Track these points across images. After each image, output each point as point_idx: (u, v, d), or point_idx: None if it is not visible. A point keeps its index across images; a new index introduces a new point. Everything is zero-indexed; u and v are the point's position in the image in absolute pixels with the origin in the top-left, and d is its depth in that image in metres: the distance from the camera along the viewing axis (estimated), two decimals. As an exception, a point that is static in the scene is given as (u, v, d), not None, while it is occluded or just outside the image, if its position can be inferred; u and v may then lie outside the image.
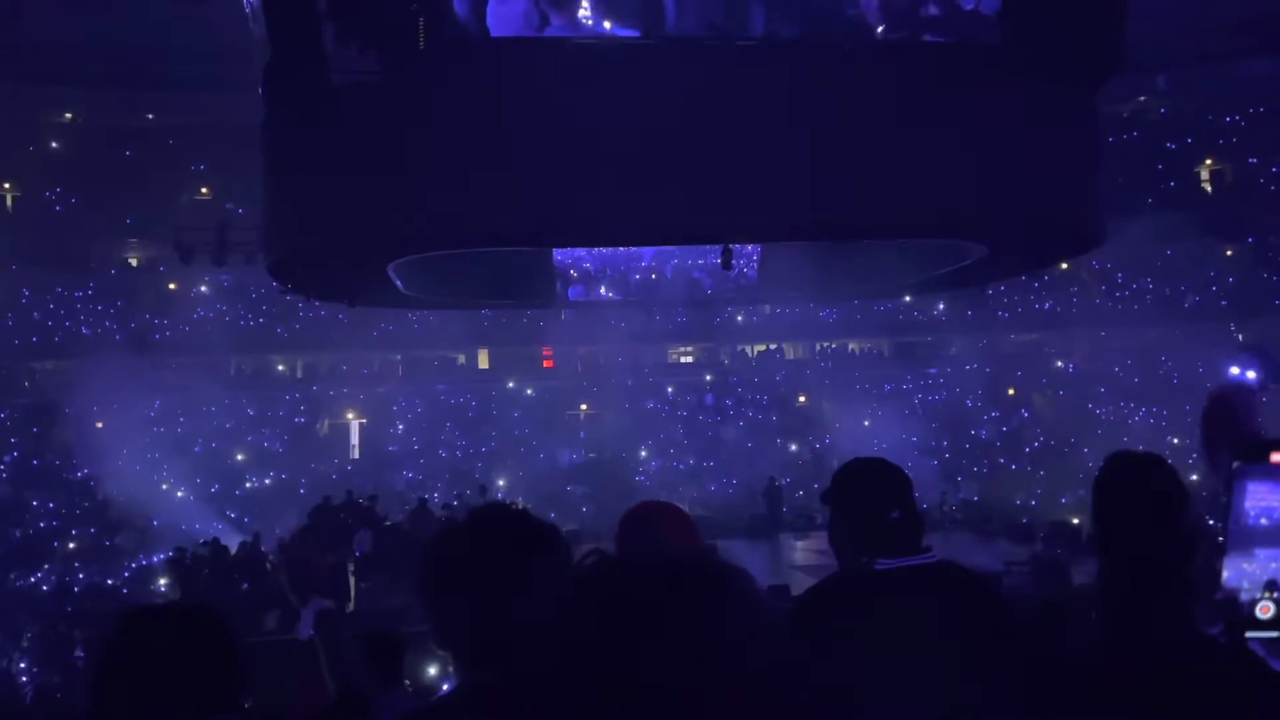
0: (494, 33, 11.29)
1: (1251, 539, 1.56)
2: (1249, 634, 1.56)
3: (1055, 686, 2.52)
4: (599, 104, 11.19)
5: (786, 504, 25.11)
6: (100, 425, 26.59)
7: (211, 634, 2.01)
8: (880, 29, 11.84)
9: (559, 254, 17.73)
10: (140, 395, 25.32)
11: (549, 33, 11.53)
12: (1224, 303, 30.45)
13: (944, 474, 26.99)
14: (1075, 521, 20.37)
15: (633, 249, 18.05)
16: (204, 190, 32.18)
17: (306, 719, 3.68)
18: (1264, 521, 1.56)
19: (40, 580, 19.15)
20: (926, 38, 11.97)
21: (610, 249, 17.78)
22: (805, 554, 20.57)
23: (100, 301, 30.43)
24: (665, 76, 11.30)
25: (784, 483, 25.65)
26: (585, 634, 1.05)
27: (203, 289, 31.16)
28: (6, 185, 32.22)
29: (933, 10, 11.88)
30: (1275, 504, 1.57)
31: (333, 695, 3.44)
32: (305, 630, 3.43)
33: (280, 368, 33.88)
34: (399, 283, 15.01)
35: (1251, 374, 2.85)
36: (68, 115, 31.83)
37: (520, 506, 1.93)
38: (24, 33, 24.63)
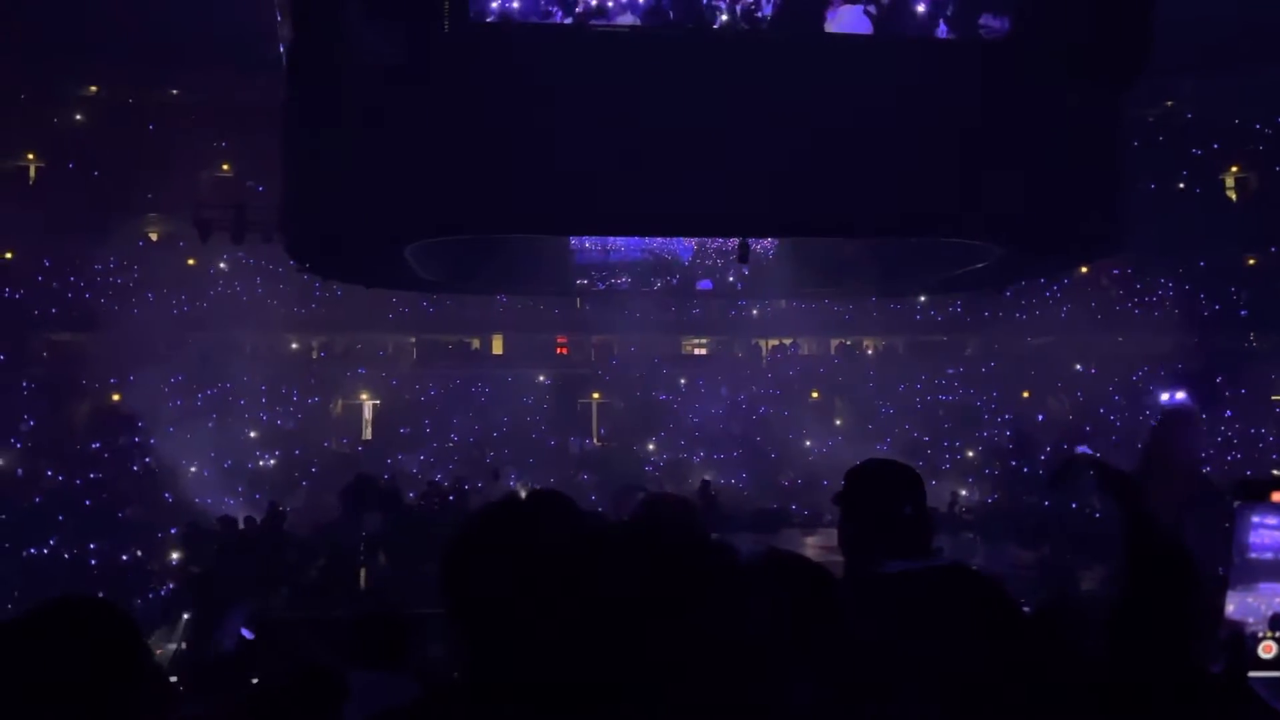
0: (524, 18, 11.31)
1: (1255, 573, 1.54)
2: (1252, 674, 1.52)
3: (1058, 693, 2.50)
4: (622, 93, 11.16)
5: (794, 500, 25.05)
6: (116, 398, 26.75)
7: (91, 642, 1.71)
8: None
9: (586, 241, 17.75)
10: (156, 369, 25.46)
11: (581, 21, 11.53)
12: (1243, 313, 30.16)
13: (955, 476, 26.86)
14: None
15: (660, 239, 18.07)
16: (225, 167, 32.27)
17: (263, 691, 3.56)
18: (1268, 556, 1.54)
19: (52, 551, 19.26)
20: (949, 36, 11.90)
21: (637, 239, 17.81)
22: (813, 551, 20.55)
23: (119, 275, 30.57)
24: (690, 68, 11.27)
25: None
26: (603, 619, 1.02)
27: (221, 265, 31.27)
28: (30, 156, 32.39)
29: (958, 10, 11.80)
30: (1278, 538, 1.55)
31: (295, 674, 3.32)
32: (237, 634, 3.36)
33: (295, 346, 34.00)
34: (417, 266, 15.02)
35: (1181, 394, 2.83)
36: (92, 88, 31.97)
37: (544, 497, 1.75)
38: (49, 5, 24.72)
